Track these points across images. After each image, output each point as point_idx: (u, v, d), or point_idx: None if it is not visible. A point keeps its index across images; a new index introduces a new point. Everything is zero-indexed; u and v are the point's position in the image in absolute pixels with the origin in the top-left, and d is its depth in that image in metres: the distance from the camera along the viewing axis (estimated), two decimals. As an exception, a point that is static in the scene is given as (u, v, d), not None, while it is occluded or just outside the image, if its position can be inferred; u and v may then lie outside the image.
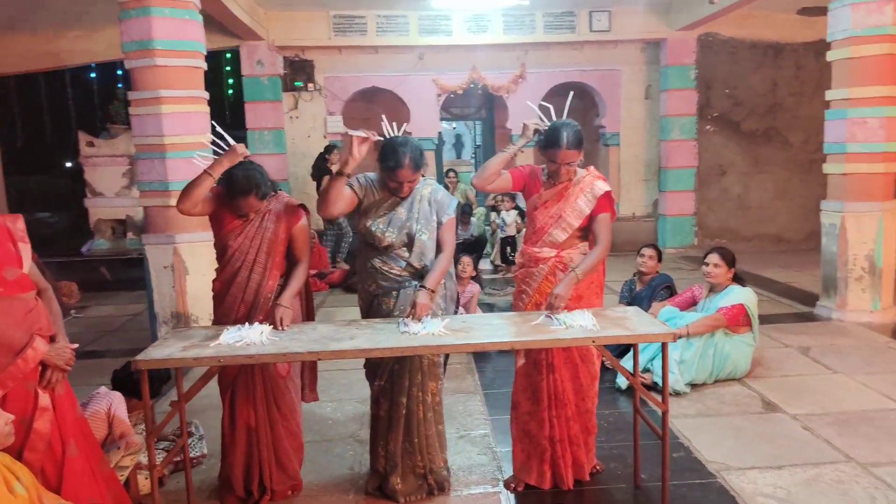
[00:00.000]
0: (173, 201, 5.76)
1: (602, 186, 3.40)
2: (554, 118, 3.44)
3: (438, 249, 3.40)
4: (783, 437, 3.98)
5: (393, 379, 3.38)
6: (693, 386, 4.75)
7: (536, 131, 3.39)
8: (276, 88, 10.42)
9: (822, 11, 9.82)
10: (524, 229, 4.51)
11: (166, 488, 3.61)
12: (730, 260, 4.95)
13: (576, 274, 3.24)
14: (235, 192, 3.20)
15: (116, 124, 9.99)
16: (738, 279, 5.02)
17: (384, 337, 3.00)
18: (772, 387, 4.76)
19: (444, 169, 11.43)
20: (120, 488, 3.02)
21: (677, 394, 4.66)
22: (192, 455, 3.83)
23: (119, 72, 10.66)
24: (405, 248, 3.35)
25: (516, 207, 9.45)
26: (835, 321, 6.33)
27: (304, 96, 10.75)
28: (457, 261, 5.95)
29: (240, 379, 3.39)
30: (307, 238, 3.53)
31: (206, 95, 6.11)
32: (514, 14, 10.05)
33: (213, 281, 3.48)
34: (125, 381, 3.87)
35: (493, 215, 9.85)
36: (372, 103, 12.26)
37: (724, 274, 4.93)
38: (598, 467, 3.66)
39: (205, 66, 6.11)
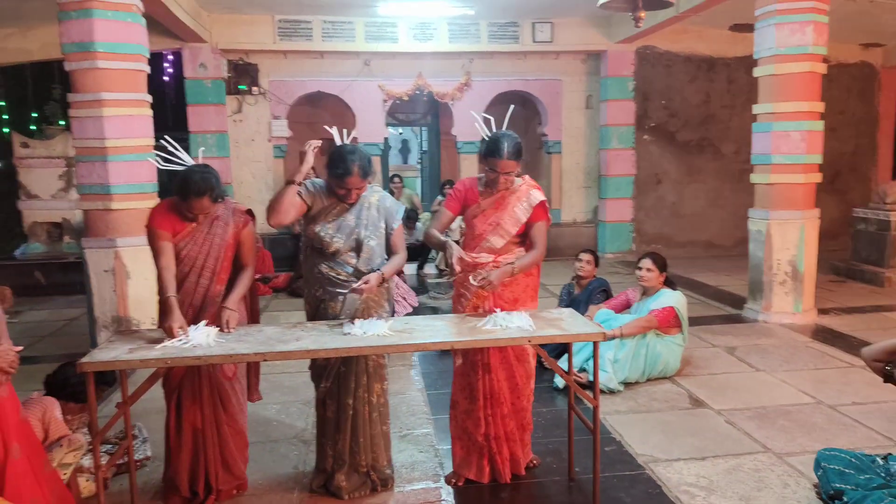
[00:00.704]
0: (115, 204, 5.82)
1: (538, 196, 3.57)
2: (495, 128, 3.61)
3: (390, 254, 3.53)
4: (707, 431, 4.22)
5: (339, 381, 3.47)
6: (626, 384, 4.98)
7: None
8: (220, 91, 10.35)
9: (752, 28, 10.33)
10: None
11: (109, 490, 3.62)
12: (661, 264, 5.20)
13: (512, 266, 3.42)
14: (190, 192, 3.25)
15: (52, 125, 9.77)
16: (669, 283, 5.27)
17: (329, 338, 3.10)
18: (699, 384, 5.02)
19: (390, 174, 11.53)
20: (63, 489, 3.04)
21: (611, 392, 4.88)
22: (135, 457, 3.83)
23: (55, 72, 10.41)
24: (353, 254, 3.45)
25: (460, 213, 9.61)
26: (760, 323, 6.68)
27: (248, 100, 10.71)
28: None
29: (186, 381, 3.43)
30: (253, 243, 3.61)
31: (150, 98, 6.08)
32: (459, 23, 10.24)
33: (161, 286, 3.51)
34: (61, 386, 3.83)
35: None
36: (317, 108, 12.27)
37: (655, 278, 5.18)
38: (534, 461, 3.83)
39: (148, 69, 6.08)
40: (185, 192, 3.27)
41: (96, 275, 5.88)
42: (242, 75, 10.65)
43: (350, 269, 3.45)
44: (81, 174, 5.89)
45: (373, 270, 3.47)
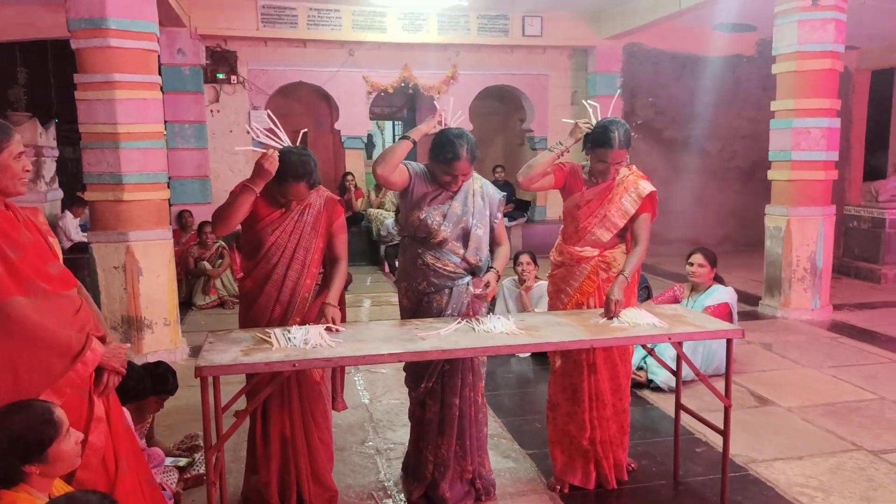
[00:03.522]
0: (127, 195, 5.38)
1: (647, 187, 3.42)
2: (599, 117, 3.44)
3: (493, 246, 3.31)
4: (789, 429, 4.15)
5: (444, 380, 3.22)
6: (684, 383, 4.85)
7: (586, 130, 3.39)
8: (198, 79, 9.80)
9: (738, 27, 10.48)
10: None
11: (181, 509, 3.27)
12: (712, 260, 5.12)
13: (625, 276, 3.25)
14: (288, 176, 2.95)
15: (18, 112, 9.04)
16: (718, 278, 5.20)
17: (458, 336, 2.85)
18: (754, 381, 4.96)
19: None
20: (167, 509, 2.70)
21: (671, 390, 4.75)
22: (200, 472, 3.49)
23: (18, 54, 9.66)
24: (459, 243, 3.21)
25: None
26: (779, 319, 6.71)
27: (226, 89, 10.17)
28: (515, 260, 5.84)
29: (274, 386, 3.11)
30: (346, 235, 3.32)
31: (160, 81, 5.64)
32: (449, 14, 9.99)
33: (243, 280, 3.19)
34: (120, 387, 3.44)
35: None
36: (289, 99, 11.82)
37: (707, 274, 5.10)
38: (632, 465, 3.66)
39: (158, 48, 5.64)
40: (282, 175, 2.97)
41: (104, 271, 5.39)
42: (220, 63, 10.11)
43: (457, 260, 3.21)
44: (89, 162, 5.39)
45: (480, 261, 3.26)
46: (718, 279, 5.20)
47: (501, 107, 12.18)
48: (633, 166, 3.51)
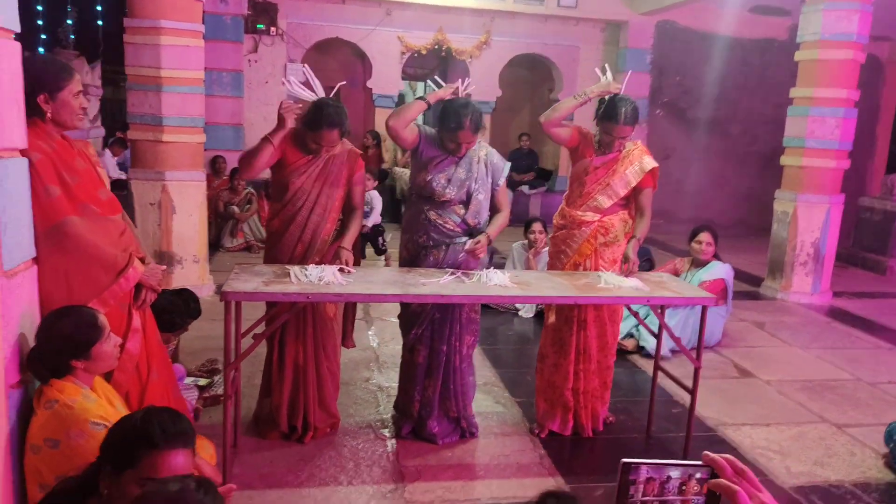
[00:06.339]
0: (166, 136, 5.74)
1: (650, 162, 3.68)
2: (623, 88, 3.69)
3: (493, 211, 3.61)
4: (764, 399, 4.44)
5: (434, 327, 3.55)
6: (673, 352, 5.16)
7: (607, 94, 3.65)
8: (239, 29, 10.07)
9: (772, 11, 10.50)
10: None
11: (199, 423, 3.65)
12: (717, 238, 5.38)
13: (637, 239, 3.59)
14: (322, 123, 3.27)
15: (66, 49, 9.42)
16: (717, 256, 5.45)
17: (455, 285, 3.18)
18: (741, 355, 5.24)
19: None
20: (190, 417, 3.08)
21: (663, 358, 5.05)
22: (217, 392, 3.88)
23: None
24: (462, 206, 3.51)
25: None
26: (779, 300, 6.94)
27: (265, 40, 10.46)
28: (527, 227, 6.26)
29: (291, 318, 3.47)
30: (363, 186, 3.64)
31: (202, 30, 5.95)
32: (486, -20, 10.16)
33: (271, 219, 3.53)
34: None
35: None
36: (324, 55, 12.06)
37: (711, 251, 5.36)
38: (611, 419, 3.98)
39: (202, -1, 5.94)
40: (318, 123, 3.29)
41: (141, 207, 5.79)
42: (261, 14, 10.39)
43: (458, 220, 3.51)
44: (133, 103, 5.76)
45: (479, 224, 3.55)
46: (716, 256, 5.45)
47: (530, 76, 12.33)
48: (639, 141, 3.78)
